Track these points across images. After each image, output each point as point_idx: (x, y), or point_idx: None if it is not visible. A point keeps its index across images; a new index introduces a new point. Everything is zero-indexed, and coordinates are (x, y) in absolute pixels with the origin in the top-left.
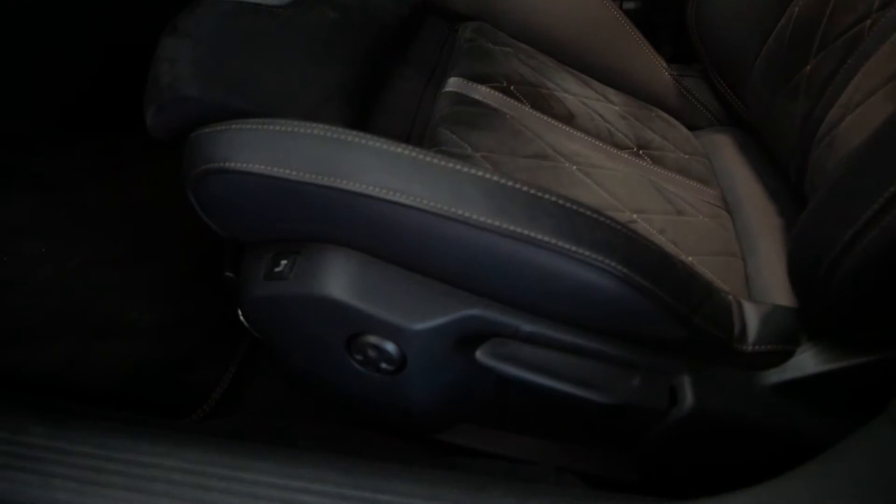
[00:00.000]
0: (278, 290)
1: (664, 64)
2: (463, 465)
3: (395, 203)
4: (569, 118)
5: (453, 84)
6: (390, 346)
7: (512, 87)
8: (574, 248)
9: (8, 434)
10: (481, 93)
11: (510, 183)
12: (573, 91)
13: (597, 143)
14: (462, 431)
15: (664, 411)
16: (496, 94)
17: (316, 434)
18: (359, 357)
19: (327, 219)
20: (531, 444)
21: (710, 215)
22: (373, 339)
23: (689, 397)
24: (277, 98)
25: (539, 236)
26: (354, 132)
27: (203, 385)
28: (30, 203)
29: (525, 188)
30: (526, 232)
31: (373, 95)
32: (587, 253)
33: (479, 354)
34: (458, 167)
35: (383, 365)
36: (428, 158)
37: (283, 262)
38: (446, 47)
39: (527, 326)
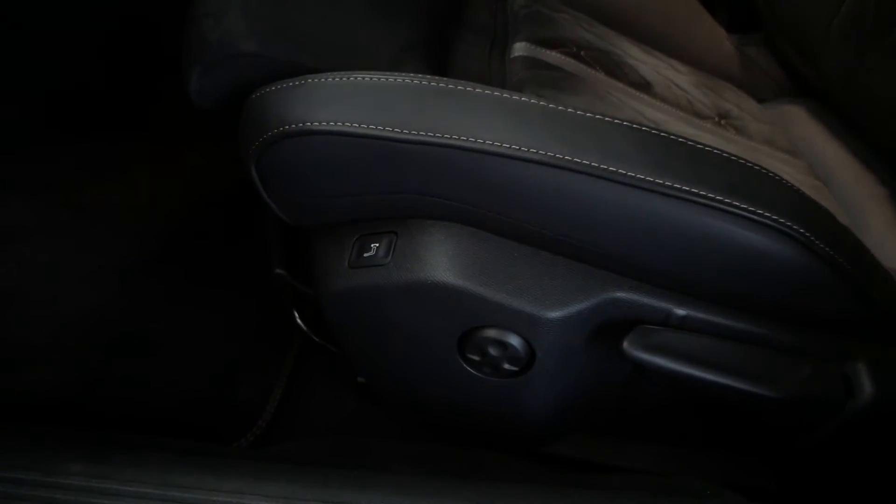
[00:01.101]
0: (372, 278)
1: (724, 32)
2: (600, 482)
3: (528, 160)
4: (646, 86)
5: (521, 49)
6: (516, 341)
7: (582, 53)
8: (750, 208)
9: (40, 476)
10: (553, 58)
11: (665, 133)
12: (642, 59)
13: (678, 112)
14: (573, 442)
15: (839, 405)
16: (568, 59)
17: (408, 454)
18: (474, 357)
19: (438, 185)
20: (652, 451)
21: (809, 187)
22: (494, 333)
23: (866, 387)
24: (347, 53)
25: (709, 194)
26: (466, 82)
27: (249, 404)
28: (27, 206)
29: (682, 139)
30: (694, 189)
31: (442, 57)
32: (766, 213)
33: (627, 346)
34: (603, 117)
35: (505, 365)
36: (562, 108)
37: (375, 245)
38: (499, 13)
39: (679, 310)
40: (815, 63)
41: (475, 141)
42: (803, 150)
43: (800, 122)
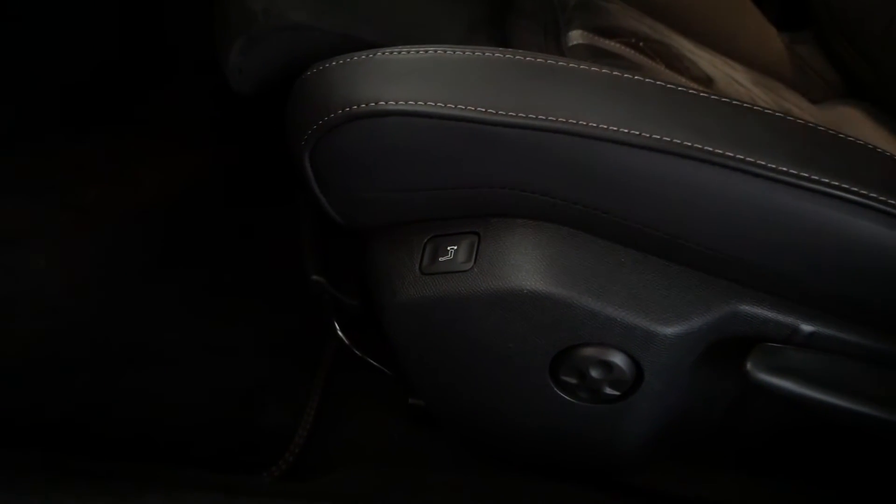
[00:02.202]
0: (451, 286)
1: (774, 30)
2: None
3: (648, 148)
4: (708, 82)
5: (579, 37)
6: (623, 362)
7: (641, 44)
8: None
9: None
10: (614, 47)
11: (803, 121)
12: (698, 53)
13: None
14: (660, 472)
15: None
16: (629, 50)
17: (476, 489)
18: (569, 380)
19: (534, 177)
20: (750, 483)
21: None
22: (596, 352)
23: None
24: (409, 28)
25: (863, 191)
26: (565, 58)
27: (278, 427)
28: (23, 207)
29: (823, 128)
30: (846, 185)
31: (503, 43)
32: None
33: (751, 367)
34: (731, 100)
35: (607, 390)
36: (684, 88)
37: (452, 248)
38: (545, 2)
39: (807, 326)
40: (872, 63)
41: (585, 124)
42: None
43: (856, 125)
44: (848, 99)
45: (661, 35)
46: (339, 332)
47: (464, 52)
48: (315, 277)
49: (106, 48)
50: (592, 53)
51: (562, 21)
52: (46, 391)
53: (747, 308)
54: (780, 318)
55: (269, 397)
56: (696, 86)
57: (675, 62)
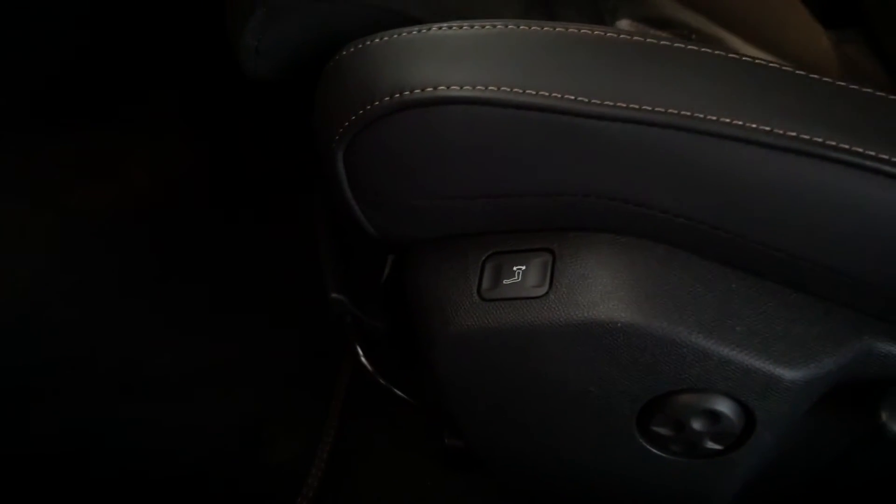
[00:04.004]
0: (521, 315)
1: (821, 27)
2: None
3: (780, 148)
4: None
5: (628, 27)
6: (732, 411)
7: (693, 37)
8: None
9: None
10: (667, 39)
11: None
12: (750, 51)
13: None
14: None
15: None
16: (682, 42)
17: None
18: (662, 432)
19: (629, 182)
20: None
21: None
22: (699, 399)
23: None
24: (459, 3)
25: None
26: (666, 36)
27: (287, 467)
28: (6, 211)
29: None
30: None
31: None
32: None
33: (889, 417)
34: (873, 91)
35: (708, 444)
36: (814, 76)
37: (519, 269)
38: None
39: None
40: None
41: (702, 117)
42: None
43: None
44: None
45: (711, 29)
46: (363, 359)
47: (541, 27)
48: (335, 296)
49: (91, 44)
50: None
51: (605, 11)
52: (29, 419)
53: (882, 345)
54: None
55: (277, 431)
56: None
57: None
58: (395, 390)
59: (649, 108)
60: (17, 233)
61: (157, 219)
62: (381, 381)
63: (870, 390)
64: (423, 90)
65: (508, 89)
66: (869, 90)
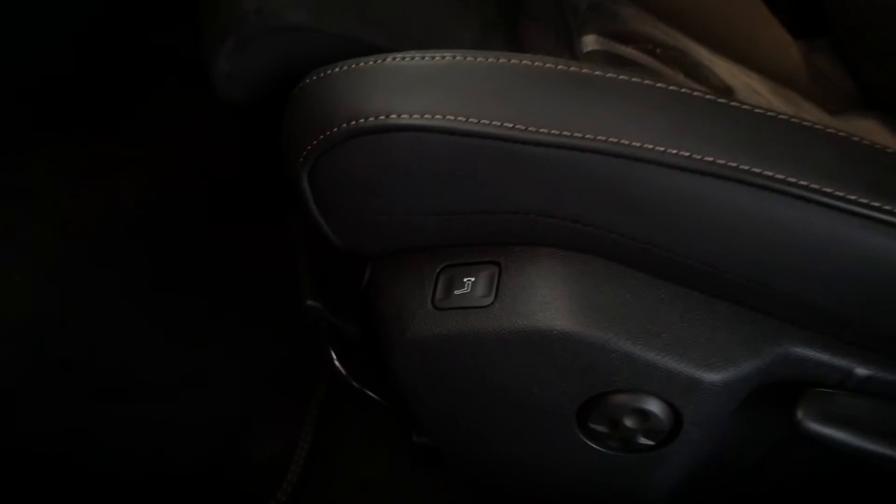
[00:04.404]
0: (469, 323)
1: (790, 37)
2: None
3: (701, 172)
4: (728, 92)
5: (593, 42)
6: (660, 410)
7: (658, 51)
8: None
9: None
10: (631, 54)
11: (872, 143)
12: (715, 61)
13: None
14: None
15: None
16: (646, 57)
17: None
18: (599, 429)
19: (565, 202)
20: None
21: None
22: (631, 399)
23: None
24: (420, 31)
25: None
26: (600, 66)
27: (268, 464)
28: (1, 217)
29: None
30: None
31: (516, 47)
32: None
33: (803, 416)
34: (789, 118)
35: (641, 439)
36: (737, 104)
37: (469, 280)
38: (554, 3)
39: (862, 370)
40: (892, 73)
41: (629, 144)
42: None
43: (878, 138)
44: (865, 110)
45: (678, 42)
46: (336, 363)
47: (486, 59)
48: (310, 302)
49: (85, 50)
50: (609, 60)
51: (573, 25)
52: (18, 418)
53: (799, 350)
54: (835, 360)
55: (259, 429)
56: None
57: (693, 70)
58: (368, 392)
59: (580, 136)
60: (12, 239)
61: (147, 226)
62: (354, 383)
63: (790, 391)
64: (376, 118)
65: (453, 118)
66: (786, 117)
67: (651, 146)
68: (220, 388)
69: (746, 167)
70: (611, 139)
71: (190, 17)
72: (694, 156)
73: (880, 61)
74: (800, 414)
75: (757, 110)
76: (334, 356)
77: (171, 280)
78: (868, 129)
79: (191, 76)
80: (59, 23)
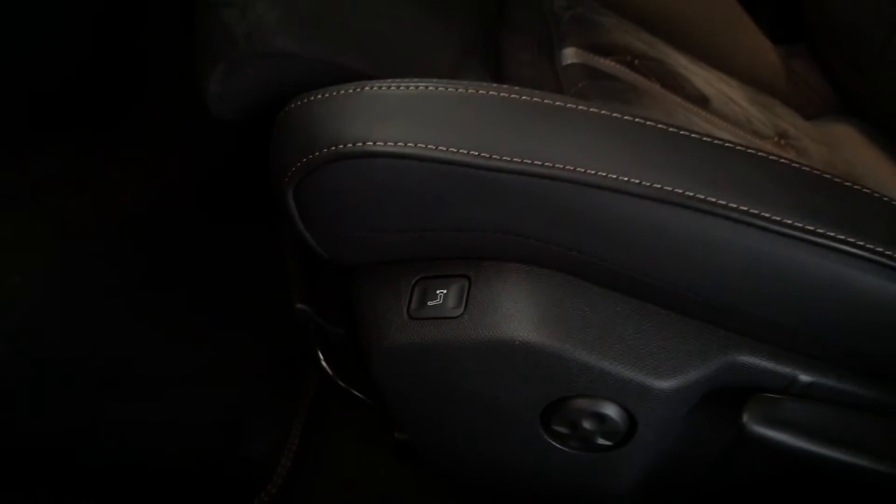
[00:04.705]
0: (441, 333)
1: (769, 43)
2: None
3: (649, 198)
4: (703, 101)
5: (573, 55)
6: (615, 413)
7: (636, 62)
8: None
9: None
10: (609, 67)
11: (807, 168)
12: (693, 70)
13: (738, 131)
14: None
15: None
16: (624, 68)
17: None
18: (561, 430)
19: (528, 223)
20: None
21: None
22: (588, 403)
23: None
24: (402, 55)
25: (869, 245)
26: (562, 96)
27: (261, 458)
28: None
29: (838, 179)
30: (853, 240)
31: (496, 63)
32: None
33: (748, 419)
34: (734, 145)
35: (600, 440)
36: (686, 133)
37: (441, 292)
38: (537, 14)
39: (805, 376)
40: (868, 77)
41: (585, 172)
42: (861, 175)
43: (853, 143)
44: (841, 115)
45: (657, 51)
46: (323, 363)
47: (456, 89)
48: (300, 306)
49: (83, 53)
50: (587, 73)
51: (555, 36)
52: (17, 416)
53: (745, 358)
54: (779, 368)
55: (252, 426)
56: (696, 109)
57: (671, 80)
58: (353, 391)
59: (540, 164)
60: (13, 239)
61: (145, 227)
62: (341, 383)
63: (738, 396)
64: (354, 144)
65: (424, 146)
66: (731, 145)
67: (605, 174)
68: (214, 388)
69: (692, 193)
70: (568, 167)
71: (183, 24)
72: (644, 182)
73: (857, 67)
74: (745, 417)
75: (705, 139)
76: (321, 357)
77: (166, 280)
78: (845, 134)
79: (189, 78)
80: (58, 23)
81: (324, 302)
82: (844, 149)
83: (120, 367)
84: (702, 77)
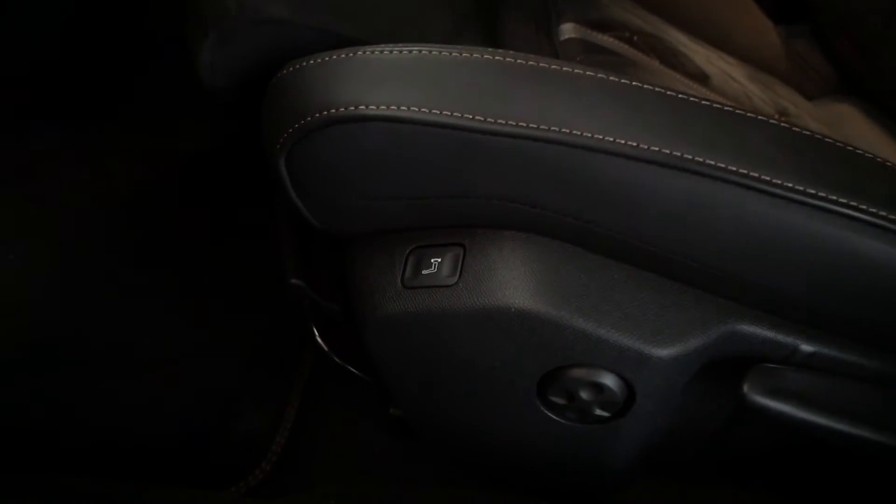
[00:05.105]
0: (435, 301)
1: (770, 23)
2: None
3: (648, 161)
4: (703, 78)
5: (570, 31)
6: (614, 383)
7: (635, 38)
8: None
9: None
10: (607, 42)
11: (809, 132)
12: (692, 48)
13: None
14: (649, 489)
15: None
16: (622, 44)
17: None
18: (558, 401)
19: (524, 189)
20: (742, 500)
21: None
22: (586, 373)
23: None
24: (395, 22)
25: (871, 209)
26: (563, 61)
27: (255, 436)
28: None
29: (831, 140)
30: (854, 203)
31: (493, 35)
32: None
33: (748, 389)
34: (734, 110)
35: (597, 411)
36: (685, 96)
37: (436, 260)
38: None
39: (807, 346)
40: (870, 58)
41: (581, 135)
42: None
43: (855, 123)
44: (843, 95)
45: (656, 28)
46: (318, 339)
47: (450, 53)
48: (294, 281)
49: (83, 36)
50: (585, 48)
51: (553, 12)
52: (11, 394)
53: (745, 327)
54: (780, 337)
55: (246, 404)
56: (695, 86)
57: (670, 57)
58: (349, 367)
59: (535, 126)
60: (9, 221)
61: (137, 210)
62: (336, 359)
63: (739, 367)
64: (346, 109)
65: (417, 109)
66: (730, 108)
67: (601, 136)
68: (208, 366)
69: (689, 156)
70: (563, 130)
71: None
72: (641, 145)
73: (859, 47)
74: (746, 387)
75: (703, 102)
76: (316, 333)
77: (161, 260)
78: (846, 114)
79: (188, 62)
80: (59, 6)
81: (319, 277)
82: (845, 127)
83: (115, 346)
84: (702, 55)
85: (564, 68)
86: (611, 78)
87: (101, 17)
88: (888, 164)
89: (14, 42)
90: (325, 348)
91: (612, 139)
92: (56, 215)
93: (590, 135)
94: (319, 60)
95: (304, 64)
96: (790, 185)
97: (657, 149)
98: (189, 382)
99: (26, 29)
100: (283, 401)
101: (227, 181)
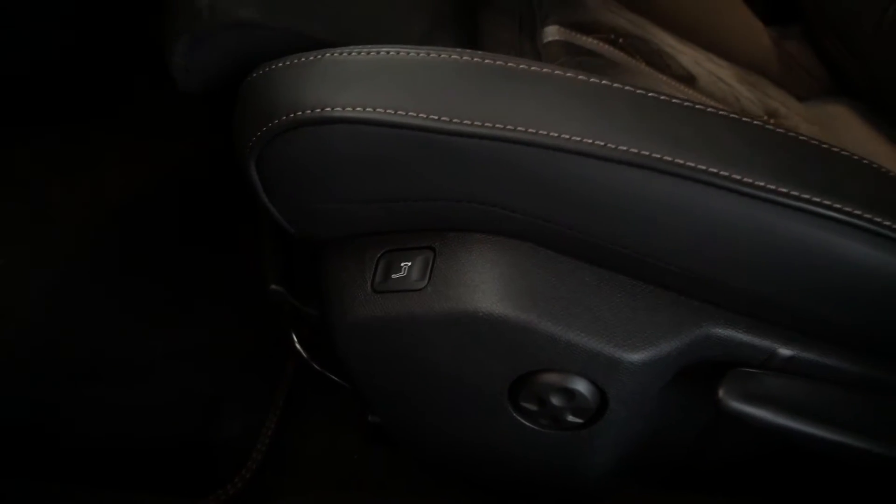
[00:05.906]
0: (404, 306)
1: (761, 24)
2: None
3: (617, 161)
4: (690, 79)
5: (554, 33)
6: (585, 388)
7: (620, 41)
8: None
9: None
10: (591, 44)
11: (783, 130)
12: (680, 49)
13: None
14: (628, 498)
15: None
16: (607, 46)
17: None
18: (530, 407)
19: (494, 191)
20: None
21: None
22: (557, 378)
23: None
24: (368, 25)
25: (846, 208)
26: (531, 60)
27: (235, 444)
28: None
29: (806, 137)
30: (827, 202)
31: (472, 38)
32: None
33: (724, 395)
34: (705, 108)
35: (569, 417)
36: (654, 95)
37: (406, 264)
38: None
39: (784, 350)
40: (861, 59)
41: (548, 134)
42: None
43: (847, 124)
44: (834, 96)
45: (642, 30)
46: (297, 346)
47: (417, 54)
48: (274, 287)
49: (69, 39)
50: (568, 50)
51: (538, 14)
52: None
53: (721, 331)
54: (756, 341)
55: (226, 412)
56: (681, 87)
57: (656, 59)
58: (328, 374)
59: (502, 127)
60: None
61: (127, 217)
62: (315, 365)
63: (715, 371)
64: (312, 111)
65: (383, 111)
66: (701, 106)
67: (568, 136)
68: (190, 372)
69: (658, 155)
70: (530, 130)
71: None
72: (609, 144)
73: (850, 48)
74: (721, 392)
75: (676, 101)
76: (296, 339)
77: (146, 266)
78: (838, 115)
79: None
80: (55, 8)
81: (298, 283)
82: (837, 128)
83: (98, 351)
84: (689, 56)
85: (533, 68)
86: (580, 77)
87: (101, 17)
88: (871, 163)
89: (14, 42)
90: (305, 355)
91: (579, 139)
92: (44, 219)
93: (556, 134)
94: (288, 63)
95: (274, 67)
96: (761, 183)
97: (625, 148)
98: (170, 388)
99: (26, 29)
100: (264, 409)
101: (224, 185)
